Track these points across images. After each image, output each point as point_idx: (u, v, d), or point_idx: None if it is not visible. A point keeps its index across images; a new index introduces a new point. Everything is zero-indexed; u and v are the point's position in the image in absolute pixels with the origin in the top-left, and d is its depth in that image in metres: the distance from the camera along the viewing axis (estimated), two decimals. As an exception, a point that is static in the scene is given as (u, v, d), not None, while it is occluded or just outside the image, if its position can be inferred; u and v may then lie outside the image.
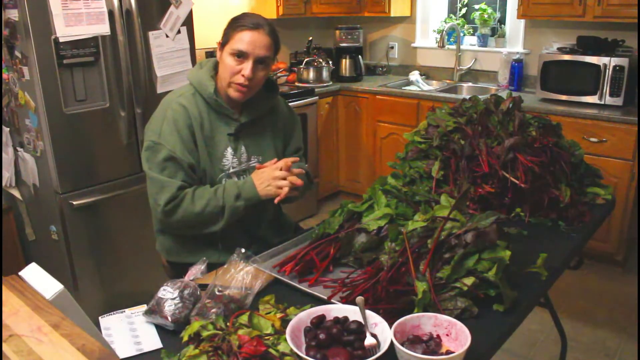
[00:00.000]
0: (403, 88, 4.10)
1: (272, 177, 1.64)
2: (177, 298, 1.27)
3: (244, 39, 1.62)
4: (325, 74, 4.19)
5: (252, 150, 1.77)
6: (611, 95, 3.17)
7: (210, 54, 3.81)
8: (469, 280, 1.26)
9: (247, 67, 1.63)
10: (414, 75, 4.20)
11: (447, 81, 4.22)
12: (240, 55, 1.63)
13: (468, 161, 1.77)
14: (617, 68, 3.11)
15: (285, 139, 1.90)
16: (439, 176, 1.79)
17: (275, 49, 1.69)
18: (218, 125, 1.72)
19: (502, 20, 4.10)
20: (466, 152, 1.76)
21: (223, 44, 1.68)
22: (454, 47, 4.19)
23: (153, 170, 1.65)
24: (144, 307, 1.31)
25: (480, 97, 2.00)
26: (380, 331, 1.14)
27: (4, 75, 2.56)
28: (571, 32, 3.57)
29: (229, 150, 1.73)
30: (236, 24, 1.64)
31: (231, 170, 1.74)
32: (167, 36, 2.77)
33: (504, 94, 2.05)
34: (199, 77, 1.72)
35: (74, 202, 2.55)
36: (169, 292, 1.29)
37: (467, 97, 2.02)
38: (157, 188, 1.64)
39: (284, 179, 1.64)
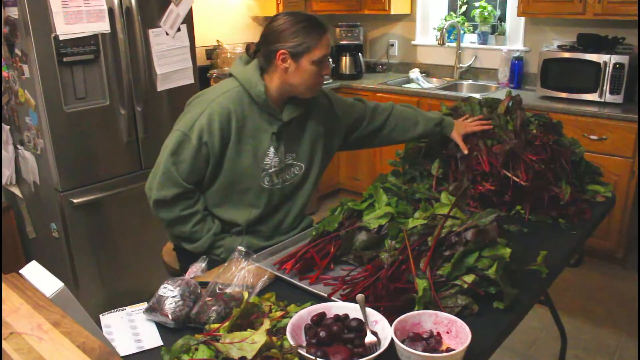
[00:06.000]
0: (403, 86, 4.10)
1: None
2: (178, 296, 1.27)
3: (324, 44, 1.60)
4: (325, 71, 4.18)
5: (288, 148, 1.74)
6: (611, 92, 3.17)
7: (210, 51, 3.81)
8: (469, 278, 1.26)
9: (326, 65, 1.63)
10: (414, 73, 4.20)
11: (448, 79, 4.22)
12: (325, 59, 1.62)
13: (468, 161, 1.77)
14: (617, 66, 3.11)
15: (331, 126, 1.84)
16: (439, 174, 1.79)
17: None
18: (261, 124, 1.67)
19: (502, 18, 4.09)
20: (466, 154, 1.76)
21: (297, 53, 1.58)
22: (454, 44, 4.19)
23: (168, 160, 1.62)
24: (145, 305, 1.31)
25: (478, 95, 2.01)
26: (381, 329, 1.14)
27: (4, 73, 2.56)
28: (571, 29, 3.57)
29: (271, 149, 1.69)
30: (310, 33, 1.57)
31: (272, 169, 1.70)
32: (167, 34, 2.76)
33: (504, 92, 2.05)
34: (248, 75, 1.65)
35: (75, 200, 2.55)
36: (169, 290, 1.29)
37: (467, 95, 2.02)
38: (162, 181, 1.63)
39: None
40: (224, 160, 1.66)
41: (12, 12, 2.35)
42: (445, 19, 4.32)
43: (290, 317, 1.16)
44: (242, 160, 1.66)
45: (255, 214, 1.73)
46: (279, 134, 1.70)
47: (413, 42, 4.46)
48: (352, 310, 1.19)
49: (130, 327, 1.27)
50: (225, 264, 1.44)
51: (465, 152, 1.84)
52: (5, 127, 2.68)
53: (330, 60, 4.11)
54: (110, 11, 2.51)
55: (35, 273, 1.01)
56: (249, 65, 1.68)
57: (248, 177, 1.69)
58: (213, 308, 1.24)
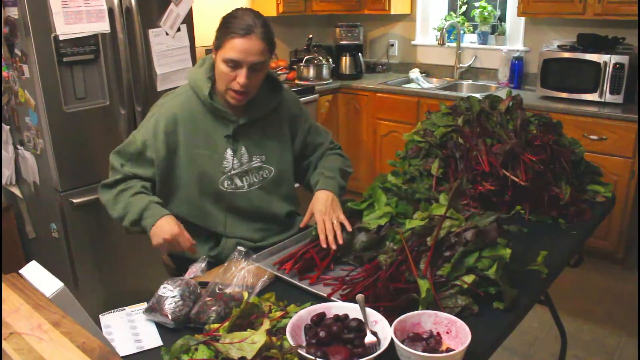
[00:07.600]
0: (403, 86, 4.09)
1: (170, 234, 1.53)
2: (178, 296, 1.27)
3: (236, 47, 1.52)
4: (325, 71, 4.18)
5: (253, 150, 1.70)
6: (611, 92, 3.17)
7: (210, 51, 3.81)
8: (469, 278, 1.26)
9: (241, 74, 1.55)
10: (414, 73, 4.20)
11: (448, 79, 4.22)
12: (233, 64, 1.55)
13: (467, 161, 1.77)
14: (617, 66, 3.11)
15: (292, 133, 1.81)
16: (438, 174, 1.79)
17: (270, 51, 1.59)
18: (215, 126, 1.66)
19: (502, 18, 4.09)
20: (465, 153, 1.76)
21: (216, 48, 1.59)
22: (454, 44, 4.19)
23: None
24: (145, 305, 1.31)
25: (478, 95, 2.01)
26: (381, 329, 1.14)
27: (4, 74, 2.56)
28: (571, 29, 3.57)
29: (229, 151, 1.66)
30: (227, 29, 1.54)
31: (232, 172, 1.67)
32: (167, 34, 2.77)
33: (504, 92, 2.05)
34: (196, 78, 1.66)
35: (74, 200, 2.55)
36: (169, 290, 1.29)
37: (467, 95, 2.02)
38: (109, 173, 1.71)
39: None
40: (175, 165, 1.65)
41: (12, 12, 2.35)
42: (445, 19, 4.32)
43: (290, 317, 1.16)
44: (199, 163, 1.65)
45: (231, 219, 1.71)
46: (235, 136, 1.67)
47: (413, 42, 4.46)
48: (352, 310, 1.19)
49: (130, 327, 1.27)
50: (225, 264, 1.44)
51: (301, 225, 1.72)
52: (5, 127, 2.68)
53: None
54: (110, 11, 2.51)
55: (35, 273, 1.01)
56: (202, 67, 1.69)
57: (207, 180, 1.66)
58: (213, 308, 1.24)
